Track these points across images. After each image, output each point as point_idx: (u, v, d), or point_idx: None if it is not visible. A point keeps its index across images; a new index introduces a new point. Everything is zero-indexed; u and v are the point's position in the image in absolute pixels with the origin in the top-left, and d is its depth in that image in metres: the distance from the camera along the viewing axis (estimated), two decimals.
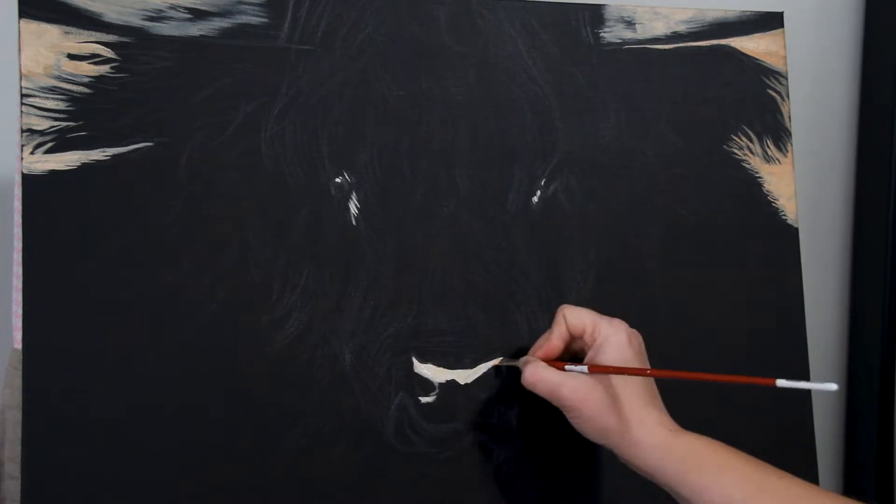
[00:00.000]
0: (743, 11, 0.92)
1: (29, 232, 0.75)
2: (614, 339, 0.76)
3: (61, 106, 0.76)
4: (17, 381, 0.76)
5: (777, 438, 0.87)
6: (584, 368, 0.75)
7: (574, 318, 0.78)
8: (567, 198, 0.86)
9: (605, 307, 0.85)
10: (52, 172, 0.76)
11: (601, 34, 0.89)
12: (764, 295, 0.90)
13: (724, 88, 0.91)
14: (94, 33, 0.77)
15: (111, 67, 0.78)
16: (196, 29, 0.80)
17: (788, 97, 0.93)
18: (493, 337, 0.83)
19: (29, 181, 0.75)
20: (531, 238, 0.85)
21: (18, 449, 0.74)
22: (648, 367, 0.77)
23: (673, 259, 0.88)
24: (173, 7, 0.79)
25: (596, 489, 0.84)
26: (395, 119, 0.83)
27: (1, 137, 0.93)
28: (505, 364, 0.82)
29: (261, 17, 0.81)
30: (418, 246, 0.82)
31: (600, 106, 0.88)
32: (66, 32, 0.77)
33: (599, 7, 0.89)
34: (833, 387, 0.65)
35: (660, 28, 0.90)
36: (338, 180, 0.82)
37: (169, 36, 0.79)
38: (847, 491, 1.21)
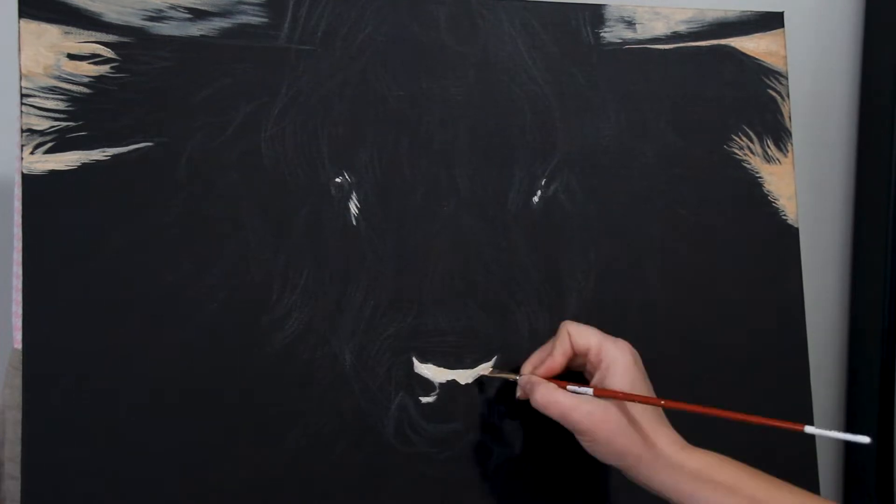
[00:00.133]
0: (743, 11, 0.92)
1: (29, 232, 0.75)
2: (622, 362, 0.76)
3: (61, 106, 0.76)
4: (17, 381, 0.76)
5: (777, 438, 0.87)
6: (590, 391, 0.75)
7: (579, 338, 0.78)
8: (567, 198, 0.86)
9: (605, 307, 0.85)
10: (52, 172, 0.76)
11: (601, 34, 0.89)
12: (764, 295, 0.90)
13: (724, 88, 0.91)
14: (94, 33, 0.77)
15: (111, 67, 0.78)
16: (196, 29, 0.80)
17: (788, 97, 0.93)
18: (493, 337, 0.83)
19: (29, 181, 0.75)
20: (531, 238, 0.85)
21: (18, 449, 0.74)
22: (649, 384, 0.77)
23: (673, 259, 0.88)
24: (173, 7, 0.79)
25: (596, 489, 0.84)
26: (395, 119, 0.83)
27: (1, 137, 0.93)
28: (496, 376, 0.82)
29: (261, 17, 0.81)
30: (418, 246, 0.82)
31: (600, 106, 0.88)
32: (66, 32, 0.77)
33: (599, 7, 0.89)
34: (866, 439, 0.65)
35: (660, 28, 0.90)
36: (338, 180, 0.82)
37: (169, 36, 0.79)
38: (847, 491, 1.21)
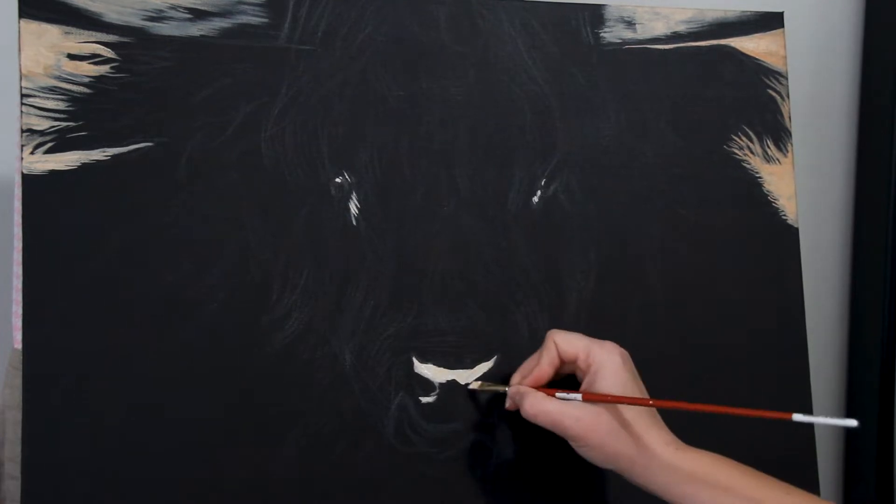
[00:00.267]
0: (743, 11, 0.92)
1: (29, 232, 0.75)
2: (610, 365, 0.75)
3: (61, 106, 0.76)
4: (17, 381, 0.76)
5: (776, 438, 0.87)
6: (578, 396, 0.74)
7: (566, 345, 0.77)
8: (567, 198, 0.86)
9: (604, 307, 0.85)
10: (52, 172, 0.76)
11: (601, 34, 0.89)
12: (764, 295, 0.90)
13: (724, 88, 0.91)
14: (94, 33, 0.77)
15: (111, 67, 0.78)
16: (196, 29, 0.80)
17: (788, 97, 0.93)
18: (493, 337, 0.83)
19: (29, 181, 0.75)
20: (531, 238, 0.85)
21: (18, 449, 0.74)
22: (641, 384, 0.77)
23: (673, 259, 0.88)
24: (173, 7, 0.79)
25: (596, 489, 0.84)
26: (395, 119, 0.83)
27: (1, 137, 0.93)
28: (485, 389, 0.82)
29: (261, 17, 0.81)
30: (418, 246, 0.82)
31: (600, 106, 0.88)
32: (66, 32, 0.77)
33: (599, 7, 0.89)
34: (853, 422, 0.65)
35: (660, 28, 0.90)
36: (338, 180, 0.82)
37: (169, 36, 0.79)
38: (847, 490, 1.22)
